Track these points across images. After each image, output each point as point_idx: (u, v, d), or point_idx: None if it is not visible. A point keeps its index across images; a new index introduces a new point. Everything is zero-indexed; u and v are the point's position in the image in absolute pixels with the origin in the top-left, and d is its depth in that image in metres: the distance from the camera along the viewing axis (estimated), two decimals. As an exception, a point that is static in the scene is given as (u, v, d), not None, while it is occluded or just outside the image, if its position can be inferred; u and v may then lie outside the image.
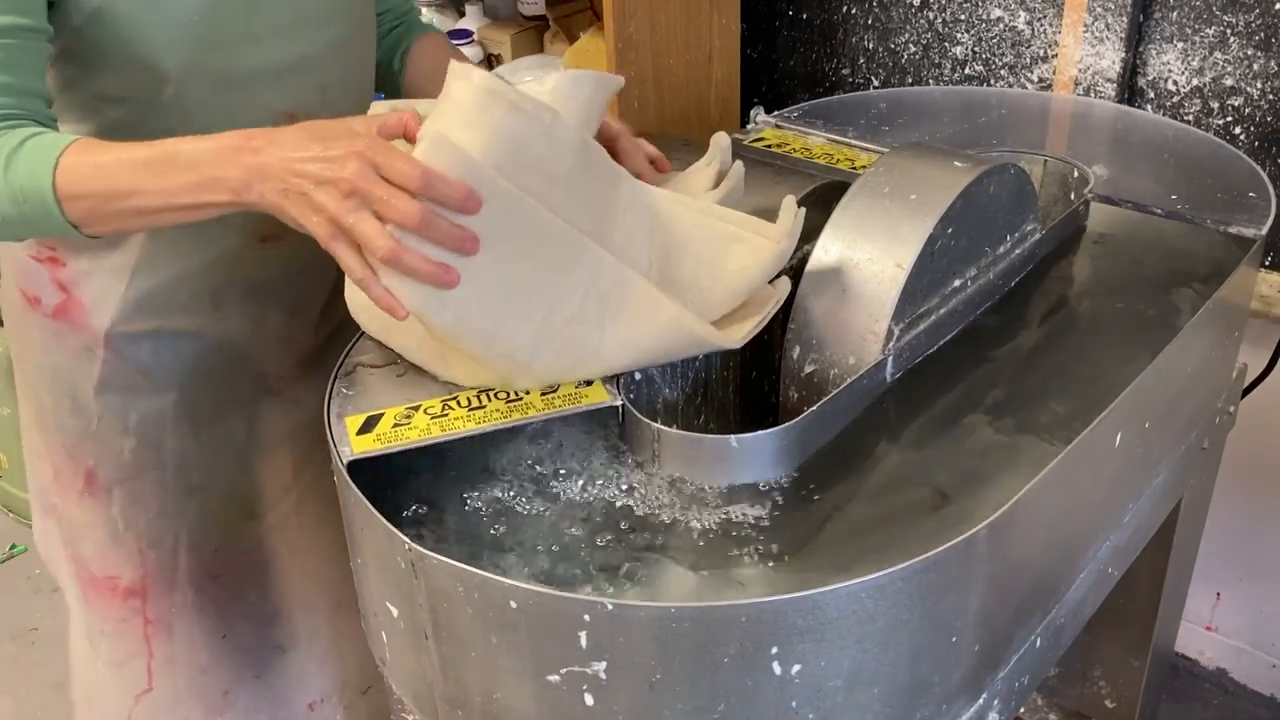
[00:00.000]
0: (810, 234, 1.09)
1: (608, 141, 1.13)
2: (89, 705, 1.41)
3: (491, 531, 0.91)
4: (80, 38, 1.04)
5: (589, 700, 0.84)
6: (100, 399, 1.22)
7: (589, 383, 0.99)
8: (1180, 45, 1.69)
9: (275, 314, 1.27)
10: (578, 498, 0.93)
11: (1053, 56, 1.80)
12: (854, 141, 1.44)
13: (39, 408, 1.28)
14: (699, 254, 1.04)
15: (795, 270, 1.14)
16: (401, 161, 0.84)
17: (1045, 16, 1.79)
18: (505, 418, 0.97)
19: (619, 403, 0.98)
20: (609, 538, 0.89)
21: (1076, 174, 1.38)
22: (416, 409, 0.98)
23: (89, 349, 1.21)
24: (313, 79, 1.17)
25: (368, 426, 0.97)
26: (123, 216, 0.97)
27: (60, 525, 1.32)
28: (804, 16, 2.07)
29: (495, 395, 0.99)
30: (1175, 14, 1.68)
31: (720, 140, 1.20)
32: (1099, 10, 1.71)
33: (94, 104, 1.10)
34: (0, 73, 0.97)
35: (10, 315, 1.26)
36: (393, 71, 1.37)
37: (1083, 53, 1.75)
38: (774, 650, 0.82)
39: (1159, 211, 1.32)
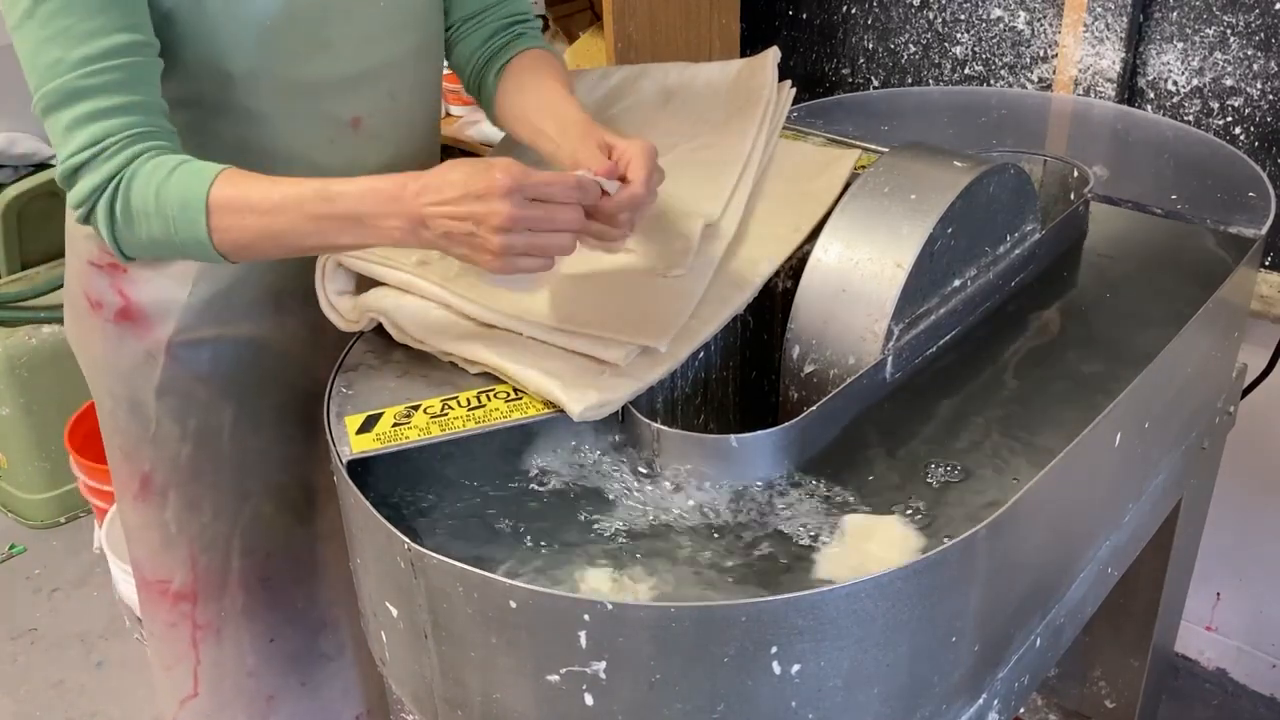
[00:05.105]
0: (810, 234, 1.10)
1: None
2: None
3: (492, 531, 0.91)
4: None
5: (589, 700, 0.84)
6: (160, 403, 1.23)
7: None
8: (1180, 45, 1.69)
9: None
10: (578, 498, 0.93)
11: (1053, 56, 1.80)
12: (854, 141, 1.44)
13: (100, 409, 1.29)
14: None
15: (795, 270, 1.14)
16: (545, 176, 0.93)
17: (1045, 16, 1.79)
18: (505, 417, 0.97)
19: (619, 402, 0.98)
20: (609, 537, 0.89)
21: (1076, 174, 1.38)
22: (416, 408, 0.98)
23: (150, 355, 1.21)
24: (383, 87, 1.16)
25: (367, 426, 0.97)
26: (271, 251, 1.01)
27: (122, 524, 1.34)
28: (804, 16, 2.06)
29: (495, 395, 0.99)
30: (1175, 14, 1.68)
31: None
32: (1099, 10, 1.71)
33: None
34: (127, 93, 0.99)
35: (74, 317, 1.27)
36: (486, 90, 1.25)
37: (1083, 53, 1.75)
38: (774, 650, 0.81)
39: (1159, 211, 1.32)
